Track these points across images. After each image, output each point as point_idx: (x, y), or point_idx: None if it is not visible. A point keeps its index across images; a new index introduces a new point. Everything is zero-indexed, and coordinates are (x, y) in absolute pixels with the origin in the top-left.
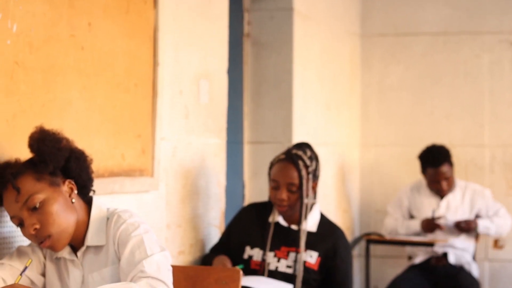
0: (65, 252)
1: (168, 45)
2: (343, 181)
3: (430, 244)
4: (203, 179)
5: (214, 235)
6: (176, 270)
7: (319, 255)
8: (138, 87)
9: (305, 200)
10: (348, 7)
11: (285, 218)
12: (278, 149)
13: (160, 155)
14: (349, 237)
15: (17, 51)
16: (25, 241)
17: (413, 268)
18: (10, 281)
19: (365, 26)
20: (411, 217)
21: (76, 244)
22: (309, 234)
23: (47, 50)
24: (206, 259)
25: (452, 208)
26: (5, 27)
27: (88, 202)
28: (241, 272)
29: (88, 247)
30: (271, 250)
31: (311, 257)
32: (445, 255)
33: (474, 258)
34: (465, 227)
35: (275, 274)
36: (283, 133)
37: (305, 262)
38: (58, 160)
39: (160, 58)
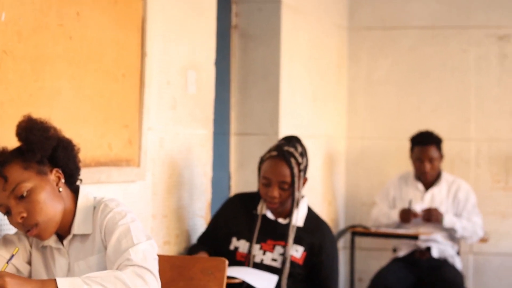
0: (51, 241)
1: (156, 36)
2: (329, 174)
3: (415, 237)
4: (190, 169)
5: (199, 225)
6: (162, 259)
7: (305, 250)
8: (126, 77)
9: (296, 196)
10: (336, 0)
11: (272, 211)
12: (264, 141)
13: (147, 145)
14: (334, 229)
15: (5, 40)
16: (11, 230)
17: (397, 260)
18: None
19: (353, 19)
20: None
21: (63, 232)
22: (296, 228)
23: (35, 39)
24: (193, 250)
25: (437, 201)
26: None
27: (75, 191)
28: (227, 262)
29: (74, 235)
30: (257, 242)
31: (297, 252)
32: (428, 249)
33: (458, 251)
34: (433, 216)
35: (260, 267)
36: (270, 125)
37: (290, 256)
38: (45, 149)
39: (148, 48)
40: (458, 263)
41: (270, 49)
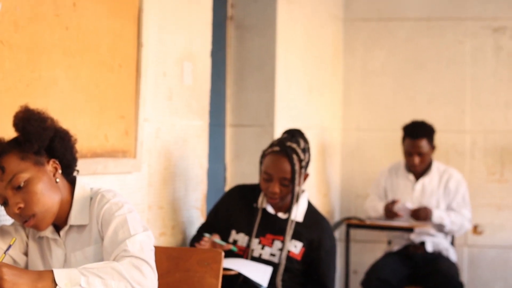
0: (48, 231)
1: (152, 26)
2: (324, 165)
3: (410, 229)
4: (186, 161)
5: (195, 217)
6: (159, 250)
7: (304, 246)
8: (122, 68)
9: (296, 192)
10: None
11: (273, 206)
12: (260, 132)
13: (143, 136)
14: (329, 221)
15: (2, 29)
16: (8, 221)
17: (391, 254)
18: None
19: (348, 10)
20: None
21: (59, 223)
22: (295, 223)
23: (32, 29)
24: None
25: (427, 191)
26: None
27: (71, 182)
28: (223, 254)
29: (71, 226)
30: (256, 236)
31: (295, 247)
32: (422, 243)
33: (452, 243)
34: (422, 216)
35: (258, 261)
36: (266, 116)
37: (289, 251)
38: (43, 139)
39: (144, 39)
40: (452, 255)
41: (265, 40)
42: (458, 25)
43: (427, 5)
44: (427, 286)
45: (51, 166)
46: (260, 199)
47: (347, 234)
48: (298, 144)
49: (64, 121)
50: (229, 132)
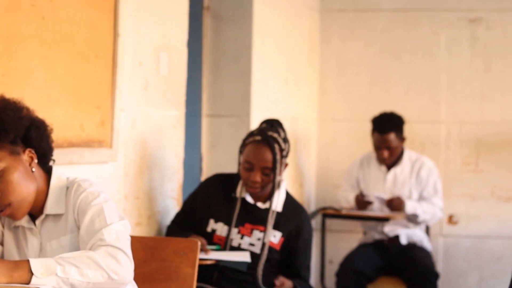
0: (24, 221)
1: (128, 17)
2: (300, 156)
3: (386, 219)
4: (162, 151)
5: (171, 207)
6: (135, 240)
7: (283, 236)
8: (99, 58)
9: (277, 181)
10: None
11: (252, 195)
12: (236, 123)
13: (119, 126)
14: None
15: None
16: None
17: (366, 244)
18: None
19: (324, 1)
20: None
21: (35, 212)
22: (275, 213)
23: (8, 19)
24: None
25: (399, 181)
26: None
27: (47, 172)
28: (199, 243)
29: (47, 215)
30: (235, 226)
31: (274, 237)
32: (396, 237)
33: (427, 233)
34: (395, 206)
35: (238, 251)
36: (242, 106)
37: (269, 241)
38: (18, 129)
39: (120, 29)
40: (427, 245)
41: (242, 30)
42: (434, 16)
43: None
44: (402, 277)
45: (27, 155)
46: (239, 188)
47: (323, 224)
48: (279, 134)
49: (40, 111)
50: (205, 122)
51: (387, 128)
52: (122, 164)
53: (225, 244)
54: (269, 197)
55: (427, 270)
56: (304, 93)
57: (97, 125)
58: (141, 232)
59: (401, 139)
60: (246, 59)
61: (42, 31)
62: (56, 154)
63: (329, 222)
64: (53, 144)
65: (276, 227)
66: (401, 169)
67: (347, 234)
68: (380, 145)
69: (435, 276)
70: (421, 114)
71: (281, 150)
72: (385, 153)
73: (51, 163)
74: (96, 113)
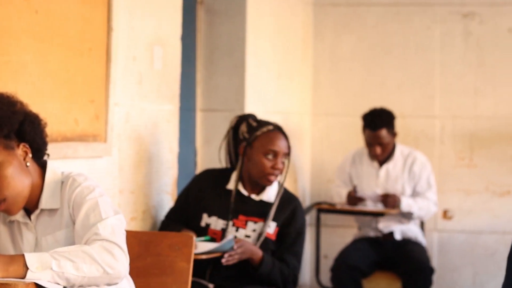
0: (19, 215)
1: (122, 11)
2: (293, 150)
3: (380, 214)
4: (156, 145)
5: (166, 201)
6: (130, 235)
7: (277, 225)
8: (92, 52)
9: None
10: None
11: (245, 187)
12: (230, 117)
13: (114, 120)
14: None
15: None
16: None
17: (361, 239)
18: None
19: None
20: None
21: (30, 207)
22: (269, 204)
23: (1, 13)
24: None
25: (392, 177)
26: None
27: (42, 166)
28: (194, 238)
29: (42, 210)
30: (230, 218)
31: (270, 228)
32: (391, 233)
33: (422, 228)
34: (390, 203)
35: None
36: (236, 100)
37: (266, 233)
38: (12, 123)
39: (114, 23)
40: (422, 240)
41: (235, 25)
42: (427, 10)
43: None
44: (397, 272)
45: (21, 150)
46: (233, 181)
47: (318, 219)
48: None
49: (34, 105)
50: (199, 116)
51: (379, 124)
52: (117, 158)
53: (221, 238)
54: (262, 189)
55: (422, 265)
56: (297, 88)
57: (91, 119)
58: (136, 226)
59: (393, 134)
60: (240, 53)
61: (35, 25)
62: (51, 148)
63: (324, 217)
64: (47, 139)
65: (268, 217)
66: (394, 165)
67: (342, 229)
68: (372, 141)
69: (430, 271)
70: (415, 108)
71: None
72: (378, 150)
73: (45, 157)
74: (90, 107)
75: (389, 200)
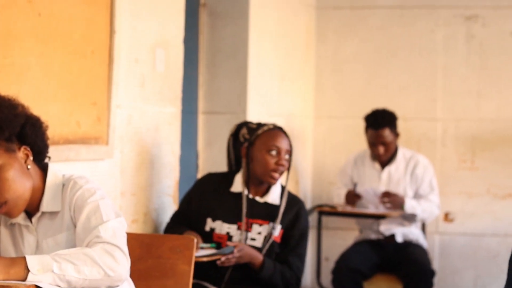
0: (20, 218)
1: (124, 13)
2: (296, 153)
3: (382, 217)
4: (158, 148)
5: (168, 204)
6: (131, 237)
7: (282, 228)
8: (95, 54)
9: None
10: None
11: (249, 189)
12: (232, 120)
13: (116, 123)
14: None
15: None
16: None
17: (362, 242)
18: None
19: None
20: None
21: (32, 210)
22: (273, 206)
23: (4, 16)
24: (172, 232)
25: (394, 179)
26: None
27: (43, 169)
28: (195, 241)
29: (43, 213)
30: (234, 222)
31: (275, 230)
32: (392, 236)
33: (423, 231)
34: (394, 202)
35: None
36: (238, 103)
37: (274, 236)
38: (13, 126)
39: (116, 25)
40: (423, 243)
41: (238, 27)
42: (430, 13)
43: None
44: (398, 274)
45: (22, 153)
46: (238, 184)
47: (319, 222)
48: None
49: (37, 108)
50: (201, 119)
51: (382, 123)
52: (119, 161)
53: (226, 242)
54: (266, 191)
55: (423, 268)
56: (300, 90)
57: (93, 121)
58: (137, 229)
59: (395, 134)
60: (243, 56)
61: (38, 27)
62: (52, 151)
63: (325, 219)
64: (49, 141)
65: (275, 220)
66: (396, 167)
67: (343, 231)
68: (375, 141)
69: (431, 273)
70: (417, 111)
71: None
72: (381, 149)
73: (46, 160)
74: (92, 109)
75: (395, 200)
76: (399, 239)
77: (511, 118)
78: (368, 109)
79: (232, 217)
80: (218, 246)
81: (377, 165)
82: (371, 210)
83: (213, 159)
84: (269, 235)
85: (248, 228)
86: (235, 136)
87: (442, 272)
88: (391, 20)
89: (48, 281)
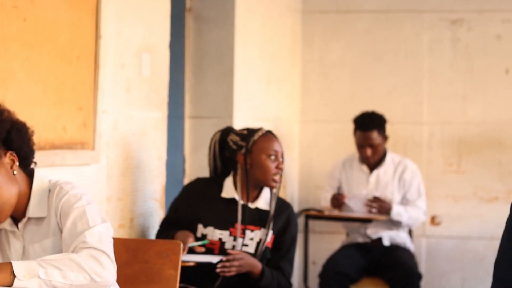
0: (6, 224)
1: (110, 18)
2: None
3: (368, 221)
4: (144, 153)
5: (154, 209)
6: (117, 242)
7: (273, 233)
8: (81, 59)
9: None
10: None
11: (242, 195)
12: (219, 124)
13: (102, 128)
14: None
15: None
16: None
17: (349, 245)
18: None
19: (306, 2)
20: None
21: (18, 215)
22: (264, 212)
23: None
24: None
25: (382, 183)
26: None
27: (29, 174)
28: (182, 245)
29: (29, 218)
30: (225, 228)
31: (267, 236)
32: (379, 239)
33: (410, 234)
34: (382, 208)
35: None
36: (224, 108)
37: (266, 242)
38: None
39: (102, 30)
40: (410, 246)
41: (224, 32)
42: (415, 17)
43: None
44: (385, 278)
45: (8, 158)
46: (229, 190)
47: (306, 226)
48: None
49: (22, 113)
50: (187, 123)
51: (370, 125)
52: (105, 166)
53: (219, 248)
54: (256, 197)
55: (410, 271)
56: (286, 94)
57: (79, 127)
58: (124, 234)
59: (384, 137)
60: (229, 60)
61: (24, 32)
62: (39, 156)
63: (312, 223)
64: (35, 146)
65: (266, 225)
66: (384, 171)
67: (330, 235)
68: (363, 143)
69: (417, 277)
70: (404, 115)
71: None
72: (369, 151)
73: (32, 165)
74: (78, 115)
75: (382, 205)
76: (386, 242)
77: (497, 121)
78: (354, 113)
79: (224, 223)
80: (210, 251)
81: (365, 168)
82: (358, 214)
83: (199, 163)
84: (262, 241)
85: (241, 234)
86: (221, 143)
87: (429, 275)
88: (376, 24)
89: (34, 287)
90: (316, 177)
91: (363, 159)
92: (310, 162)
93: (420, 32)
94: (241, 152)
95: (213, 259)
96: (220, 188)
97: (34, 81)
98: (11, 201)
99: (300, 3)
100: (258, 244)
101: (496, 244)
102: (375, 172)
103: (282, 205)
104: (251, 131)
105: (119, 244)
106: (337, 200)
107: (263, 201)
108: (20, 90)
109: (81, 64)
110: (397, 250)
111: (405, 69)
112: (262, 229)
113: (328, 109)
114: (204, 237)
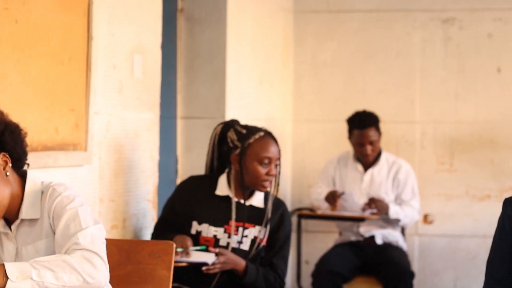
0: None
1: (102, 19)
2: None
3: (361, 219)
4: (137, 153)
5: (147, 209)
6: (110, 243)
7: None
8: (72, 61)
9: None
10: None
11: (236, 193)
12: (211, 124)
13: (94, 129)
14: None
15: None
16: None
17: (342, 244)
18: None
19: (298, 2)
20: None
21: (10, 217)
22: (258, 209)
23: None
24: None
25: (376, 182)
26: None
27: (22, 176)
28: (174, 246)
29: (22, 220)
30: (220, 225)
31: (262, 233)
32: (372, 237)
33: (403, 233)
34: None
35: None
36: (217, 108)
37: (260, 239)
38: None
39: (94, 32)
40: (403, 245)
41: (216, 32)
42: (407, 16)
43: None
44: (378, 276)
45: (1, 159)
46: (223, 187)
47: (299, 225)
48: None
49: (14, 115)
50: (180, 124)
51: (368, 123)
52: (97, 167)
53: (214, 245)
54: (251, 194)
55: (403, 270)
56: (278, 94)
57: (72, 128)
58: (116, 235)
59: (380, 134)
60: (221, 61)
61: (15, 34)
62: (31, 157)
63: (305, 222)
64: (28, 148)
65: (261, 223)
66: (379, 170)
67: (323, 234)
68: (363, 140)
69: (410, 275)
70: (396, 114)
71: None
72: (369, 148)
73: (25, 167)
74: (71, 116)
75: (380, 205)
76: (378, 241)
77: (489, 120)
78: (347, 113)
79: (219, 220)
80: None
81: (360, 167)
82: (351, 213)
83: (192, 164)
84: (257, 238)
85: (235, 232)
86: (221, 136)
87: (422, 274)
88: (368, 23)
89: None
90: (308, 177)
91: (362, 158)
92: (302, 161)
93: (411, 31)
94: (236, 153)
95: (208, 259)
96: (214, 185)
97: (26, 83)
98: (3, 202)
99: (292, 3)
100: (252, 241)
101: (489, 242)
102: (370, 171)
103: (276, 203)
104: (249, 132)
105: (111, 245)
106: (333, 195)
107: (258, 199)
108: (12, 92)
109: (73, 65)
110: (389, 248)
111: (397, 69)
112: (257, 227)
113: (320, 108)
114: (198, 234)
